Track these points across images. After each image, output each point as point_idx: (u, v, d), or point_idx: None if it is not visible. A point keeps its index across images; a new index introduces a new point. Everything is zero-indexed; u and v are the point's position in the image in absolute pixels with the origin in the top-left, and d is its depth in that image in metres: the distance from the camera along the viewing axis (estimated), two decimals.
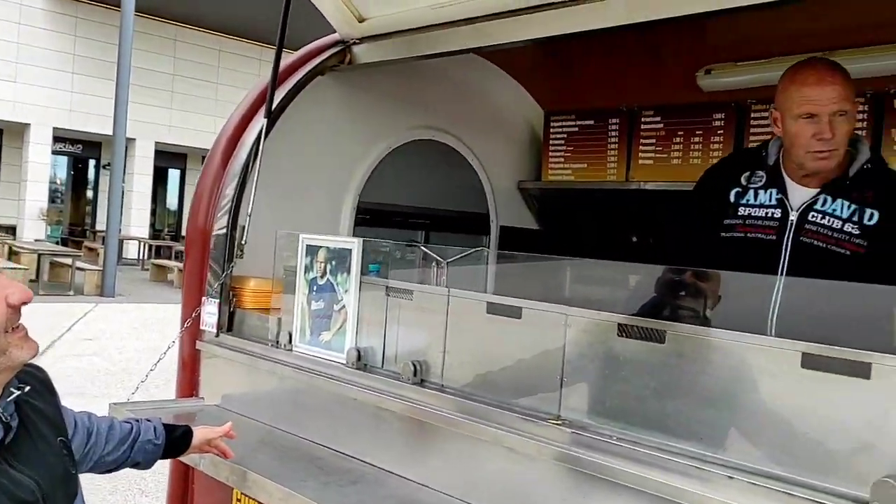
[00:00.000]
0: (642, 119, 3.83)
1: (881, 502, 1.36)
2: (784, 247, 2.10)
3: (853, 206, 2.07)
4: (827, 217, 2.09)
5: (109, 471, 1.92)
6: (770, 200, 2.16)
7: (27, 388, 1.43)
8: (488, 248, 4.08)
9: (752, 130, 3.44)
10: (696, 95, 3.55)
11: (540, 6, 2.56)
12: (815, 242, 2.07)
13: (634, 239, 4.07)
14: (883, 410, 1.41)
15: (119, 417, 2.05)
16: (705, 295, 1.78)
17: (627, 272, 2.26)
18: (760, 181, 2.19)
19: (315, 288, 2.55)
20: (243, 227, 2.89)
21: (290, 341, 2.63)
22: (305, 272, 2.59)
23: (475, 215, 4.05)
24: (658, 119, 3.77)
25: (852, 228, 2.06)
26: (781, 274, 2.08)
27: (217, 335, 2.87)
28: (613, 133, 3.95)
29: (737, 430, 1.60)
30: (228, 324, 2.90)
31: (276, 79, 2.92)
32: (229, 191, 2.94)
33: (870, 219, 2.06)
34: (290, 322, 2.63)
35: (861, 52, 2.95)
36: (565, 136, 4.13)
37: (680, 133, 3.69)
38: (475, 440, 1.99)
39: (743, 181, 2.22)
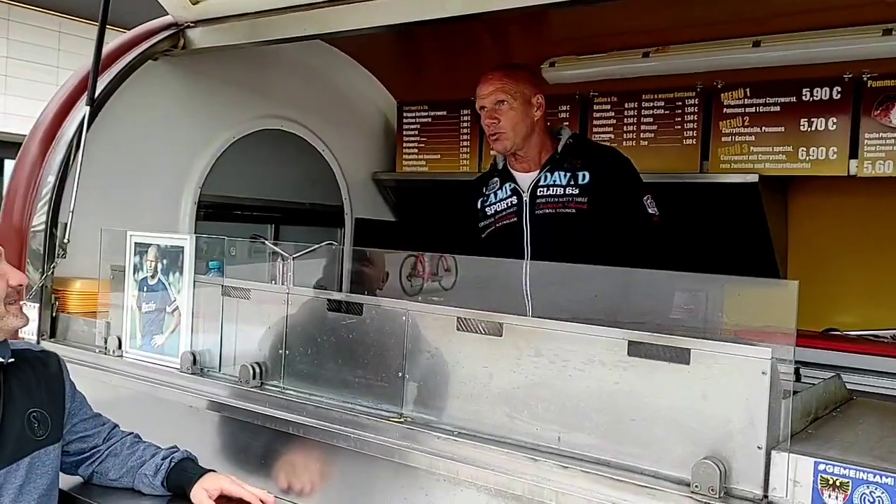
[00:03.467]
0: None
1: (701, 482, 1.42)
2: (524, 223, 2.54)
3: (568, 174, 2.52)
4: (550, 188, 2.53)
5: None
6: (506, 193, 2.61)
7: (11, 360, 1.76)
8: (342, 240, 4.00)
9: (594, 122, 3.55)
10: (543, 88, 3.61)
11: None
12: (547, 210, 2.52)
13: None
14: (701, 394, 1.46)
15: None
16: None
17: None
18: (496, 185, 2.65)
19: (146, 289, 2.37)
20: (65, 225, 2.65)
21: (120, 347, 2.44)
22: (135, 272, 2.40)
23: (328, 207, 3.94)
24: None
25: (572, 190, 2.50)
26: (526, 245, 2.51)
27: (38, 342, 2.62)
28: (465, 124, 3.96)
29: (570, 418, 1.62)
30: (51, 330, 2.67)
31: (99, 64, 2.70)
32: (48, 185, 2.69)
33: (583, 179, 2.51)
34: (120, 326, 2.44)
35: (689, 48, 3.11)
36: (418, 126, 4.11)
37: None
38: (318, 443, 1.92)
39: (484, 190, 2.67)
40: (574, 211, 2.48)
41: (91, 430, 1.94)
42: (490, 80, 2.58)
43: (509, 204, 2.59)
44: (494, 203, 2.62)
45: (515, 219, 2.56)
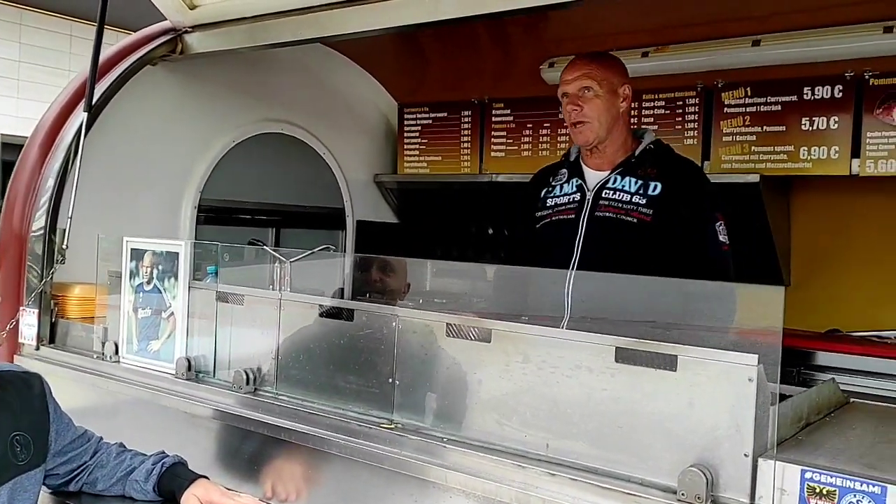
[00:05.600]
0: (493, 111, 3.85)
1: (687, 490, 1.40)
2: (581, 222, 2.40)
3: (639, 182, 2.38)
4: (617, 192, 2.39)
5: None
6: (572, 189, 2.49)
7: None
8: (344, 243, 4.00)
9: None
10: (542, 88, 3.60)
11: None
12: (607, 214, 2.37)
13: (490, 231, 4.10)
14: (688, 401, 1.44)
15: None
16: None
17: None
18: (563, 177, 2.53)
19: (141, 294, 2.38)
20: (64, 230, 2.66)
21: (117, 352, 2.45)
22: (131, 278, 2.41)
23: (330, 210, 3.95)
24: (508, 111, 3.81)
25: (639, 199, 2.35)
26: (578, 246, 2.38)
27: (37, 348, 2.64)
28: (466, 125, 3.96)
29: (558, 424, 1.61)
30: (50, 335, 2.68)
31: (97, 69, 2.71)
32: (47, 190, 2.70)
33: (654, 190, 2.35)
34: (117, 332, 2.45)
35: (689, 48, 3.08)
36: (419, 128, 4.10)
37: (529, 125, 3.74)
38: (309, 450, 1.91)
39: (551, 181, 2.55)
40: (635, 221, 2.33)
41: (78, 449, 1.93)
42: (576, 65, 2.44)
43: (571, 200, 2.46)
44: (558, 196, 2.50)
45: (573, 216, 2.43)
